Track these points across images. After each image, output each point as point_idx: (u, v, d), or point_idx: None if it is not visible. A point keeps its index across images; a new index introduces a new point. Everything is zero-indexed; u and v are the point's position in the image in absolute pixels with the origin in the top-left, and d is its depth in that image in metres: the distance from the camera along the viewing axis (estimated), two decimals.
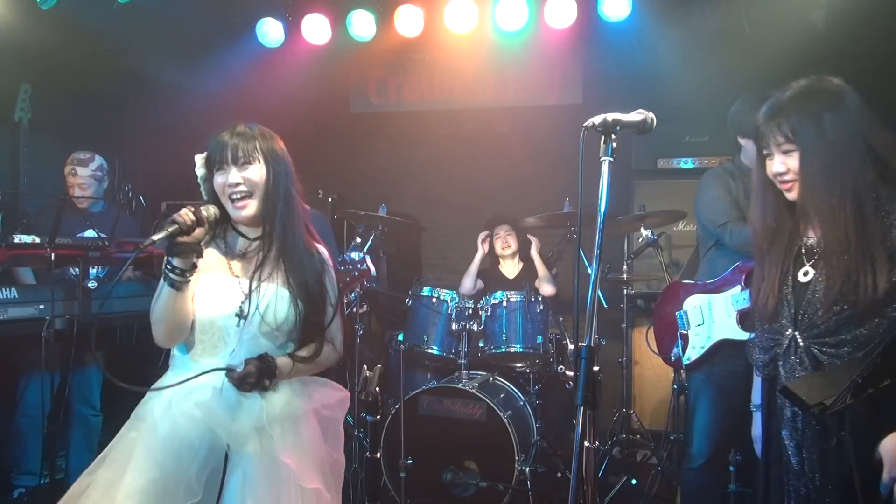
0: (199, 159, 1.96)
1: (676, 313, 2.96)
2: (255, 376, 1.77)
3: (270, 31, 4.50)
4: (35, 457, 3.41)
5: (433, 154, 5.46)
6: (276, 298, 1.87)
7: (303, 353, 1.91)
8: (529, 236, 4.53)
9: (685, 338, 2.89)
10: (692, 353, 2.86)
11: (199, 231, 1.80)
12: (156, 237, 1.72)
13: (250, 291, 1.87)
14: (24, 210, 3.85)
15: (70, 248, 3.01)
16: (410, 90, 5.25)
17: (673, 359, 2.93)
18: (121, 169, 4.79)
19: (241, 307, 1.86)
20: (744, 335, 2.78)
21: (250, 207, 1.89)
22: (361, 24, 4.40)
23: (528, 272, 4.49)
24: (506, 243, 4.47)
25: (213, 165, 1.91)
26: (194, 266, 1.82)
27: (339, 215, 4.47)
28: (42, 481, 3.21)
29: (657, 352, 3.06)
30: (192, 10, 4.29)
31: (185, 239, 1.77)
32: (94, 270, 3.35)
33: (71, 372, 3.40)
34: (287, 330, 1.89)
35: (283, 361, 1.85)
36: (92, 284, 3.04)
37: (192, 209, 1.80)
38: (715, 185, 2.92)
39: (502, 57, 4.80)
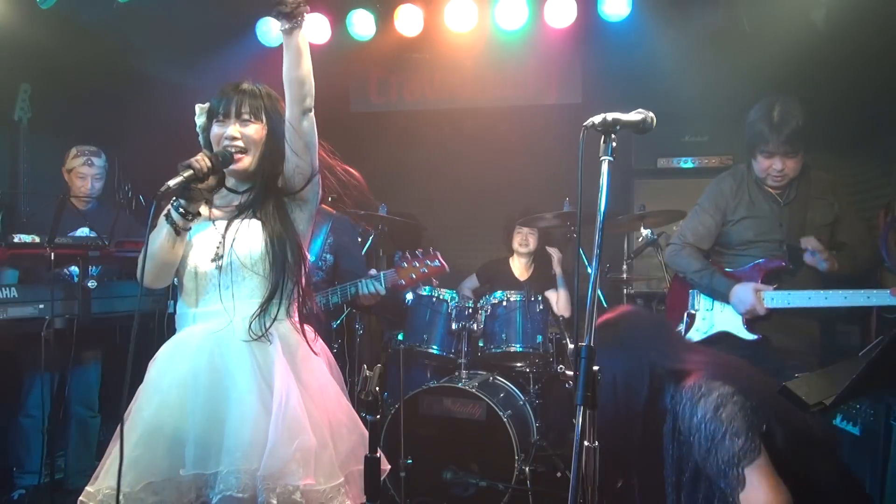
0: (200, 108, 2.02)
1: (690, 291, 2.97)
2: None
3: (270, 30, 4.50)
4: (37, 456, 3.42)
5: (433, 154, 5.46)
6: (249, 235, 1.91)
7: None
8: (550, 249, 4.54)
9: (692, 318, 2.91)
10: (694, 335, 2.89)
11: (212, 179, 1.85)
12: (172, 182, 1.76)
13: (225, 233, 1.92)
14: (24, 210, 3.85)
15: (70, 248, 3.01)
16: (410, 89, 5.25)
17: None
18: (121, 168, 4.79)
19: (216, 250, 1.91)
20: (746, 335, 2.80)
21: (244, 162, 1.95)
22: (361, 24, 4.40)
23: (539, 278, 4.49)
24: (525, 241, 4.50)
25: (213, 116, 1.97)
26: (199, 213, 1.88)
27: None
28: (42, 480, 3.21)
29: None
30: (192, 9, 4.28)
31: (199, 185, 1.82)
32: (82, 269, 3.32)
33: (70, 372, 3.41)
34: (263, 269, 1.92)
35: None
36: (92, 284, 3.04)
37: (209, 156, 1.85)
38: (708, 198, 3.06)
39: (502, 56, 4.79)
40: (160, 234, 1.86)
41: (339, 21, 4.45)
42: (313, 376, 1.94)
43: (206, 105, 2.01)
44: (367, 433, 1.88)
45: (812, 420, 1.78)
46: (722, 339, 2.83)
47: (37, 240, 2.94)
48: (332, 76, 5.14)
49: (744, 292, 2.79)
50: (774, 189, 2.97)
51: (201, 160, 1.81)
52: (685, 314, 2.97)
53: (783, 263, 2.86)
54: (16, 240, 2.96)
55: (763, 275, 2.83)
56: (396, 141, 5.39)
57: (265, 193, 1.97)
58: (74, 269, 3.22)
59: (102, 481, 1.76)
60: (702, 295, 2.98)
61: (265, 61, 4.71)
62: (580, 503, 1.42)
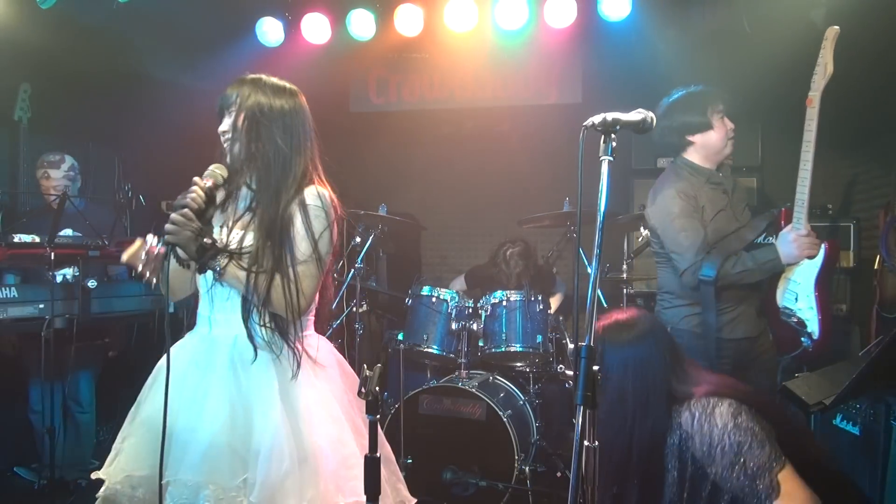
0: None
1: (780, 303, 2.84)
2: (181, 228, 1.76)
3: (270, 30, 4.49)
4: (43, 452, 3.44)
5: (433, 153, 5.46)
6: (238, 238, 1.90)
7: (244, 261, 1.85)
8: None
9: (793, 316, 2.77)
10: (812, 326, 2.70)
11: (210, 209, 1.89)
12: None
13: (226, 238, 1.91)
14: (24, 210, 3.85)
15: (70, 248, 3.01)
16: (410, 89, 5.25)
17: (807, 345, 2.73)
18: (120, 168, 4.79)
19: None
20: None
21: (234, 151, 1.95)
22: (361, 24, 4.40)
23: (532, 281, 4.49)
24: (516, 265, 4.39)
25: None
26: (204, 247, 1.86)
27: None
28: (42, 480, 3.23)
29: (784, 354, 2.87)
30: (193, 9, 4.28)
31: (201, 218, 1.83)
32: (72, 270, 3.32)
33: (69, 370, 3.41)
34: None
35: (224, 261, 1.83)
36: (92, 284, 3.05)
37: (202, 186, 1.84)
38: (683, 210, 2.82)
39: (502, 56, 4.79)
40: (168, 267, 1.85)
41: (338, 21, 4.44)
42: (300, 398, 1.87)
43: None
44: (356, 451, 1.85)
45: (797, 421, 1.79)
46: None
47: (37, 240, 2.94)
48: (332, 76, 5.15)
49: (783, 239, 2.70)
50: (726, 164, 2.94)
51: (196, 196, 1.80)
52: (791, 322, 2.77)
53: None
54: (16, 240, 2.96)
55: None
56: (396, 141, 5.40)
57: (264, 193, 1.93)
58: (66, 270, 3.21)
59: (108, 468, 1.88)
60: (785, 292, 2.79)
61: (265, 61, 4.72)
62: (580, 503, 1.42)
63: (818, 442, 2.35)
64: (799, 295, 2.76)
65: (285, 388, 1.85)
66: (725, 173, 3.02)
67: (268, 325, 1.87)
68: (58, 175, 3.73)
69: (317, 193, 1.95)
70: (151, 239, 1.90)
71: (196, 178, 1.85)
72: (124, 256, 1.98)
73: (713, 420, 1.67)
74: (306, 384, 1.89)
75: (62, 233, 3.46)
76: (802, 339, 2.76)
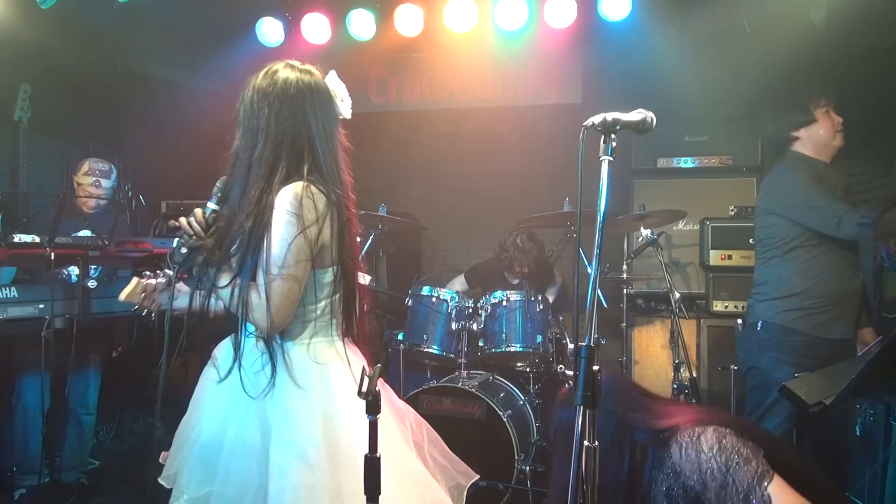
0: None
1: None
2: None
3: (270, 30, 4.49)
4: (35, 455, 3.43)
5: (433, 154, 5.46)
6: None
7: (221, 280, 1.79)
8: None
9: None
10: None
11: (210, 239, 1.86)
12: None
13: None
14: (24, 210, 3.85)
15: (70, 248, 3.01)
16: (410, 89, 5.25)
17: None
18: (121, 168, 4.79)
19: None
20: None
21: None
22: (361, 24, 4.40)
23: (532, 279, 4.50)
24: (522, 266, 4.39)
25: None
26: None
27: None
28: (42, 480, 3.22)
29: None
30: (192, 9, 4.28)
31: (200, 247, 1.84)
32: (94, 270, 3.36)
33: (69, 371, 3.41)
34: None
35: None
36: (92, 284, 3.04)
37: (200, 217, 1.85)
38: (809, 178, 2.91)
39: (502, 56, 4.79)
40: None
41: (338, 21, 4.44)
42: (292, 411, 1.78)
43: None
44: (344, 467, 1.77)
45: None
46: None
47: (37, 240, 2.94)
48: None
49: None
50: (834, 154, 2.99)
51: (192, 219, 1.82)
52: None
53: None
54: (16, 240, 2.96)
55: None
56: (396, 141, 5.39)
57: (233, 198, 1.84)
58: (73, 268, 3.22)
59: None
60: None
61: (265, 61, 4.70)
62: (580, 503, 1.42)
63: (803, 456, 2.37)
64: None
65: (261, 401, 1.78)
66: (837, 171, 3.07)
67: (259, 335, 1.83)
68: (108, 184, 3.84)
69: (291, 193, 1.75)
70: (147, 276, 1.93)
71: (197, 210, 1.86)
72: (122, 296, 1.97)
73: (699, 446, 1.70)
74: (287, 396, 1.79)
75: (80, 233, 3.47)
76: None
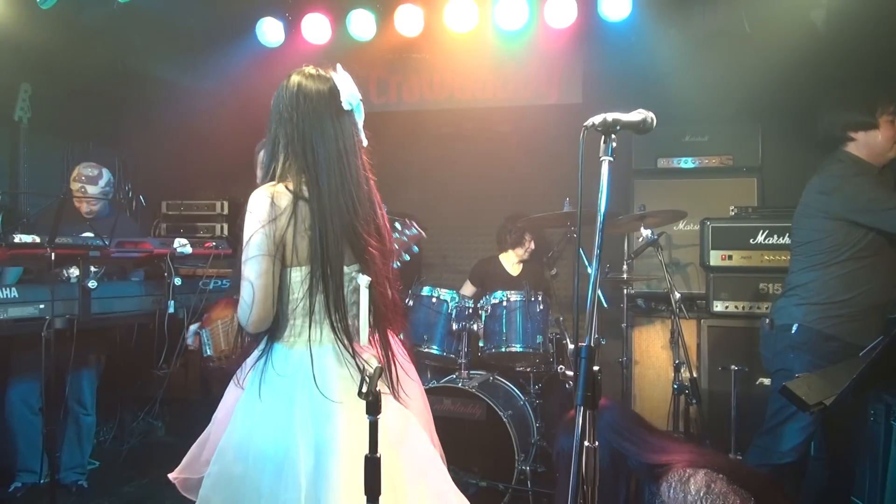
0: None
1: None
2: None
3: (270, 30, 4.49)
4: (34, 454, 3.43)
5: (433, 154, 5.45)
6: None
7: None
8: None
9: None
10: None
11: None
12: None
13: None
14: (24, 210, 3.85)
15: (70, 248, 3.01)
16: (410, 90, 5.24)
17: None
18: (121, 168, 4.80)
19: None
20: None
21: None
22: (361, 24, 4.40)
23: (528, 273, 4.51)
24: (529, 247, 4.58)
25: None
26: None
27: None
28: (42, 480, 3.22)
29: None
30: (192, 9, 4.28)
31: None
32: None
33: (69, 371, 3.40)
34: None
35: None
36: (92, 284, 3.04)
37: None
38: (872, 181, 2.81)
39: (502, 56, 4.79)
40: None
41: (338, 21, 4.45)
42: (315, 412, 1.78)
43: None
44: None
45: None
46: None
47: (37, 240, 2.94)
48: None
49: None
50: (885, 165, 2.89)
51: None
52: None
53: None
54: (16, 240, 2.96)
55: None
56: (396, 141, 5.39)
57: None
58: (74, 270, 3.21)
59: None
60: None
61: (265, 61, 4.72)
62: (580, 503, 1.42)
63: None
64: None
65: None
66: (887, 175, 2.95)
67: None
68: (95, 191, 3.76)
69: (254, 194, 1.78)
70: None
71: None
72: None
73: (688, 488, 1.71)
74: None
75: (83, 235, 3.46)
76: None
